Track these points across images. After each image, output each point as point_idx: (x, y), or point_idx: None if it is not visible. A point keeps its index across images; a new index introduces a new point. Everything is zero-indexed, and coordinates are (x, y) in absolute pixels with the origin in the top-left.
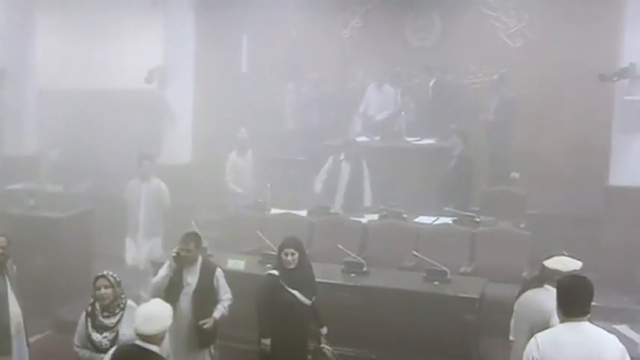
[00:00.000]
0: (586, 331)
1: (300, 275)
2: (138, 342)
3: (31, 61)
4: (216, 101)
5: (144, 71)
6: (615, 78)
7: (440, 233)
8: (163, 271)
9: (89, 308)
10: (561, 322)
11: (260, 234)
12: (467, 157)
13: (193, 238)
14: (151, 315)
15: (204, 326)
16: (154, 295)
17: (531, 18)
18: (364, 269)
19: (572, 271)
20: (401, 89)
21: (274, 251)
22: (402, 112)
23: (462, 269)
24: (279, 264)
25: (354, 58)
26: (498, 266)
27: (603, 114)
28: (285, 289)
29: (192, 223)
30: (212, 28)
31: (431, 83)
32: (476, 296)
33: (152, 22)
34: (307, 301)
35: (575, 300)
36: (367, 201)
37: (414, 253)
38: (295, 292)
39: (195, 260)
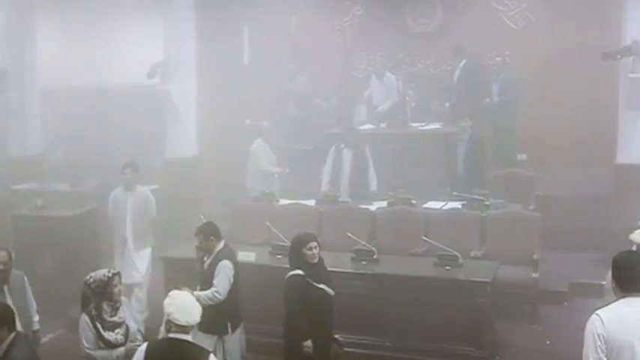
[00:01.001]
0: None
1: (322, 268)
2: (171, 335)
3: (32, 61)
4: (219, 94)
5: (146, 67)
6: (619, 56)
7: (449, 218)
8: None
9: (93, 311)
10: (618, 298)
11: (269, 225)
12: (478, 140)
13: (202, 230)
14: (188, 306)
15: None
16: None
17: None
18: (375, 257)
19: None
20: (403, 76)
21: (284, 242)
22: (407, 98)
23: (473, 253)
24: (301, 260)
25: (355, 47)
26: (509, 249)
27: (608, 93)
28: (314, 286)
29: (201, 216)
30: (213, 20)
31: (461, 64)
32: (488, 280)
33: (153, 17)
34: (332, 292)
35: (632, 276)
36: (373, 186)
37: (424, 238)
38: (323, 286)
39: (211, 249)
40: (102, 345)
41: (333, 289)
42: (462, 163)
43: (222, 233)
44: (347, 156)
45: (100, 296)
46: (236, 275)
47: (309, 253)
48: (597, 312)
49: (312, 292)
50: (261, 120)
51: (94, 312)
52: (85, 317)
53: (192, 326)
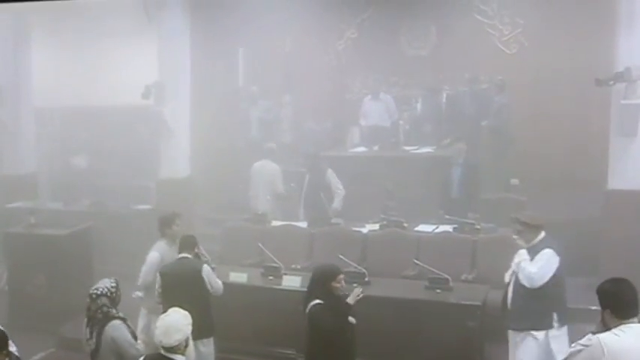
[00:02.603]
0: None
1: (344, 297)
2: (162, 352)
3: (27, 80)
4: (213, 115)
5: (140, 87)
6: (611, 82)
7: (441, 241)
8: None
9: (121, 315)
10: (614, 325)
11: (261, 246)
12: (473, 164)
13: None
14: (169, 326)
15: None
16: None
17: (526, 24)
18: (366, 279)
19: None
20: (396, 98)
21: (276, 263)
22: (400, 121)
23: (464, 276)
24: (326, 293)
25: (349, 69)
26: (500, 273)
27: (600, 118)
28: (339, 317)
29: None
30: (208, 42)
31: (443, 99)
32: (478, 303)
33: (147, 38)
34: (354, 321)
35: (627, 303)
36: (336, 202)
37: (415, 261)
38: (350, 318)
39: None
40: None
41: (354, 316)
42: (456, 186)
43: (214, 254)
44: (305, 180)
45: (116, 301)
46: (169, 285)
47: (338, 285)
48: (599, 336)
49: (337, 322)
50: (269, 141)
51: (122, 315)
52: (119, 322)
53: (177, 346)
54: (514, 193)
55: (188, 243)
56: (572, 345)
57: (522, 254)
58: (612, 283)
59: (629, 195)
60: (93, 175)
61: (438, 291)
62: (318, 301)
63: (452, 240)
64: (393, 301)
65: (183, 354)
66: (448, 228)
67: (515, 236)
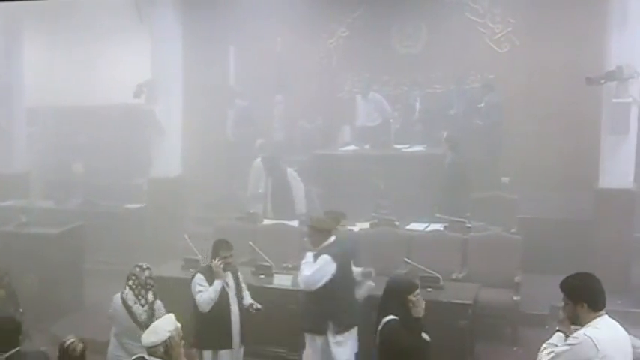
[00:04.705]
0: (615, 323)
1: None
2: (145, 355)
3: (19, 80)
4: (204, 114)
5: (132, 86)
6: (602, 81)
7: (432, 240)
8: (218, 285)
9: None
10: (591, 318)
11: (252, 245)
12: (461, 164)
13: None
14: (151, 326)
15: None
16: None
17: (517, 23)
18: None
19: None
20: (387, 97)
21: (267, 262)
22: (391, 120)
23: (455, 275)
24: (401, 307)
25: (341, 68)
26: (490, 271)
27: (591, 117)
28: (415, 334)
29: (185, 236)
30: (199, 41)
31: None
32: (469, 302)
33: (139, 37)
34: (429, 339)
35: (600, 294)
36: (300, 208)
37: (406, 260)
38: (423, 334)
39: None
40: None
41: (427, 333)
42: (445, 185)
43: (205, 253)
44: (269, 182)
45: None
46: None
47: (415, 299)
48: (585, 332)
49: (413, 341)
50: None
51: None
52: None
53: (151, 348)
54: (505, 191)
55: (213, 250)
56: (544, 345)
57: (307, 257)
58: (582, 278)
59: (619, 193)
60: (85, 174)
61: (429, 289)
62: (392, 316)
63: (443, 238)
64: None
65: (164, 358)
66: (439, 226)
67: (305, 239)
